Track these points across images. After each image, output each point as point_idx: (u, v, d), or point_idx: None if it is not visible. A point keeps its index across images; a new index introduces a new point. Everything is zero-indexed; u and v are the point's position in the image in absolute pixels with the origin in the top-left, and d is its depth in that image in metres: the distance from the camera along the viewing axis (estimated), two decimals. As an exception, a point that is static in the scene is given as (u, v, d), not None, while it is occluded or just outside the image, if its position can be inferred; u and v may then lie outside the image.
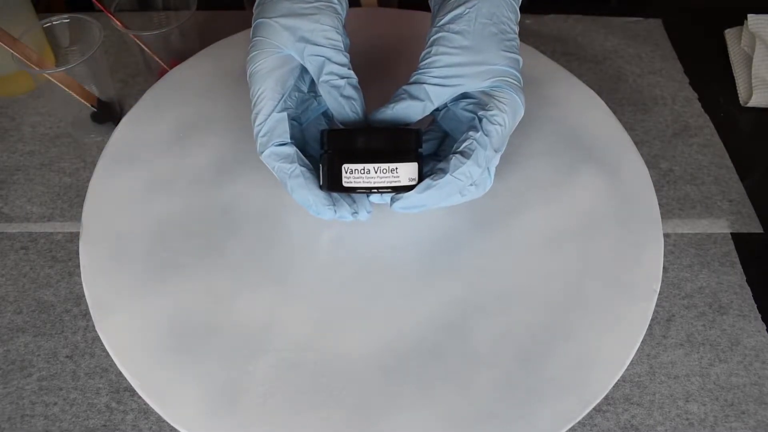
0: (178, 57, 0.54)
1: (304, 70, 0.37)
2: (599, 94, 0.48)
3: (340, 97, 0.35)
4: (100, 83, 0.53)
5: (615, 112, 0.47)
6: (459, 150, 0.35)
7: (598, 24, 0.66)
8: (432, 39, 0.36)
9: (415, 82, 0.35)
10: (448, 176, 0.34)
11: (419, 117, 0.36)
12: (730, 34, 0.63)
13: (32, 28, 0.53)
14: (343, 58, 0.36)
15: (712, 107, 0.59)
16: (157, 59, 0.55)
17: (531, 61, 0.50)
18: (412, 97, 0.35)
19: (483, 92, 0.35)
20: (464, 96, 0.36)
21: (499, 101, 0.35)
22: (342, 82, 0.35)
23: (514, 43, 0.36)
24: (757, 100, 0.58)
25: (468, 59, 0.35)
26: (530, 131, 0.45)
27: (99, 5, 0.52)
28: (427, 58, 0.35)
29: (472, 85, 0.35)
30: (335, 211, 0.36)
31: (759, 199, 0.52)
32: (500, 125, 0.34)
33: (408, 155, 0.34)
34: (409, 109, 0.35)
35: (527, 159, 0.44)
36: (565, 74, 0.49)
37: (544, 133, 0.45)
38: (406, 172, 0.34)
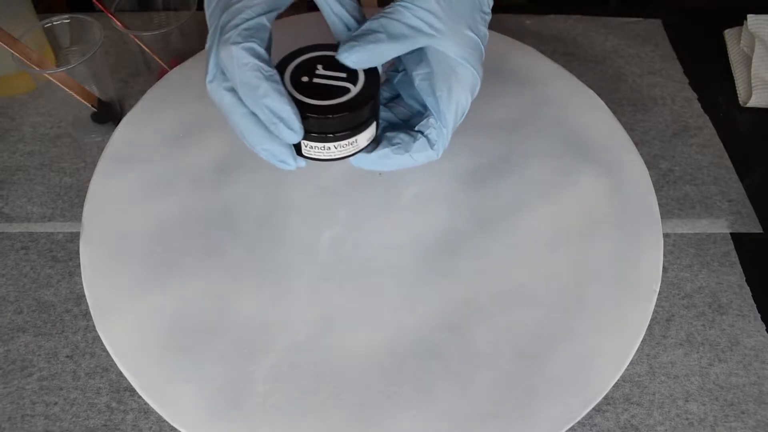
0: (178, 57, 0.54)
1: None
2: (599, 94, 0.48)
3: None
4: (100, 83, 0.53)
5: (615, 112, 0.47)
6: (425, 134, 0.35)
7: (598, 24, 0.66)
8: None
9: (395, 19, 0.32)
10: (407, 156, 0.35)
11: (390, 58, 0.33)
12: (729, 34, 0.63)
13: (32, 28, 0.53)
14: None
15: (712, 107, 0.59)
16: (157, 59, 0.55)
17: (531, 61, 0.50)
18: (391, 37, 0.32)
19: (446, 63, 0.34)
20: (421, 58, 0.35)
21: (458, 79, 0.34)
22: None
23: (487, 18, 0.36)
24: (756, 100, 0.58)
25: (449, 16, 0.33)
26: (530, 131, 0.45)
27: (99, 5, 0.52)
28: None
29: (443, 44, 0.33)
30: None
31: (759, 199, 0.52)
32: (457, 105, 0.34)
33: (367, 123, 0.33)
34: (385, 53, 0.33)
35: (527, 159, 0.44)
36: (565, 74, 0.49)
37: (544, 133, 0.45)
38: (365, 137, 0.34)
